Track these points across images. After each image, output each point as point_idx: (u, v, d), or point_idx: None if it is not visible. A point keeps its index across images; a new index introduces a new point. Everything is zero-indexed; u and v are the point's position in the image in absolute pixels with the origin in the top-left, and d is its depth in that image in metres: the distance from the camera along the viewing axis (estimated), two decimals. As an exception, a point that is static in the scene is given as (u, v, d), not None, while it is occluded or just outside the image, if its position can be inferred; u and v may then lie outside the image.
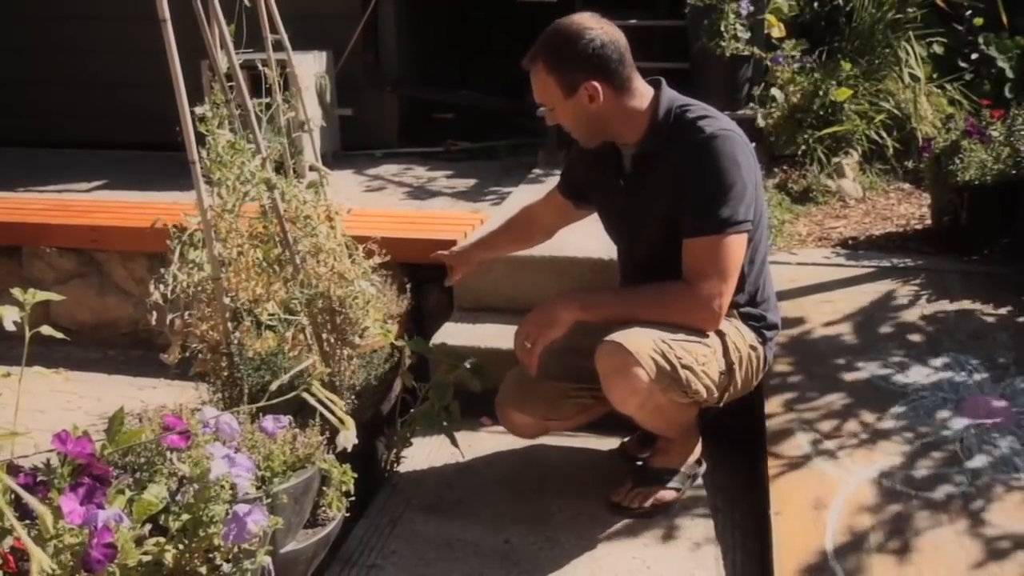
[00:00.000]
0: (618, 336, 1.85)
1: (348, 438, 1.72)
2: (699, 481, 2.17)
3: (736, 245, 1.89)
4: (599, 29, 1.91)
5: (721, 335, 1.95)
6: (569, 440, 2.38)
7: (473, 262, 2.41)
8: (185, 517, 1.35)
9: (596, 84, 1.91)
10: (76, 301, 3.33)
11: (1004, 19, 3.75)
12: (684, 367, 1.86)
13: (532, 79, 1.97)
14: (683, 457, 2.13)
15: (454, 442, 2.17)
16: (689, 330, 1.91)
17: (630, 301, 1.99)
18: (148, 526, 1.35)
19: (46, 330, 1.42)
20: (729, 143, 1.89)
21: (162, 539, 1.34)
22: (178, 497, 1.38)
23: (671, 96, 1.99)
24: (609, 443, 2.36)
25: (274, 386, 1.67)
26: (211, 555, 1.37)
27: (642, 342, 1.84)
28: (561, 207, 2.28)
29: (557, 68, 1.92)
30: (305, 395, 1.71)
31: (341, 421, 1.74)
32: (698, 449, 2.17)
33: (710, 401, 1.99)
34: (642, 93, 1.97)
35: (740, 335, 2.00)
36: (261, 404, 1.62)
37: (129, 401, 2.78)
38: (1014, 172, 2.76)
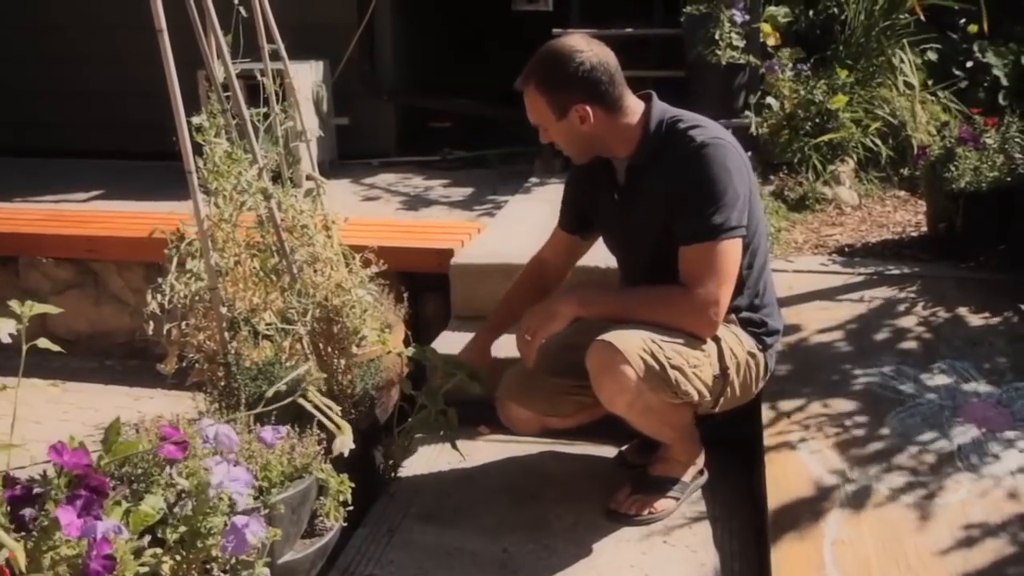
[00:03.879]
0: (609, 335, 1.87)
1: (345, 443, 1.72)
2: (697, 490, 2.17)
3: (731, 250, 1.90)
4: (589, 51, 1.93)
5: (717, 340, 1.96)
6: (568, 448, 2.38)
7: (488, 352, 2.24)
8: (183, 529, 1.35)
9: (586, 107, 1.94)
10: (72, 311, 3.32)
11: (986, 25, 3.76)
12: (674, 367, 1.88)
13: (525, 99, 2.00)
14: (684, 467, 2.13)
15: (454, 446, 2.17)
16: (685, 333, 1.92)
17: (629, 302, 2.01)
18: (147, 537, 1.34)
19: (42, 343, 1.43)
20: (720, 151, 1.91)
21: (159, 550, 1.33)
22: (176, 509, 1.38)
23: (662, 108, 2.01)
24: (608, 451, 2.36)
25: (270, 392, 1.67)
26: (208, 566, 1.37)
27: (632, 341, 1.86)
28: (568, 245, 2.26)
29: (548, 90, 1.95)
30: (301, 401, 1.71)
31: (338, 427, 1.74)
32: (700, 459, 2.16)
33: (704, 405, 1.99)
34: (633, 109, 2.00)
35: (738, 340, 2.00)
36: (257, 411, 1.62)
37: (126, 411, 2.75)
38: (1009, 179, 2.77)
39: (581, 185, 2.19)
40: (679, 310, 1.92)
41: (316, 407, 1.74)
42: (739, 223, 1.90)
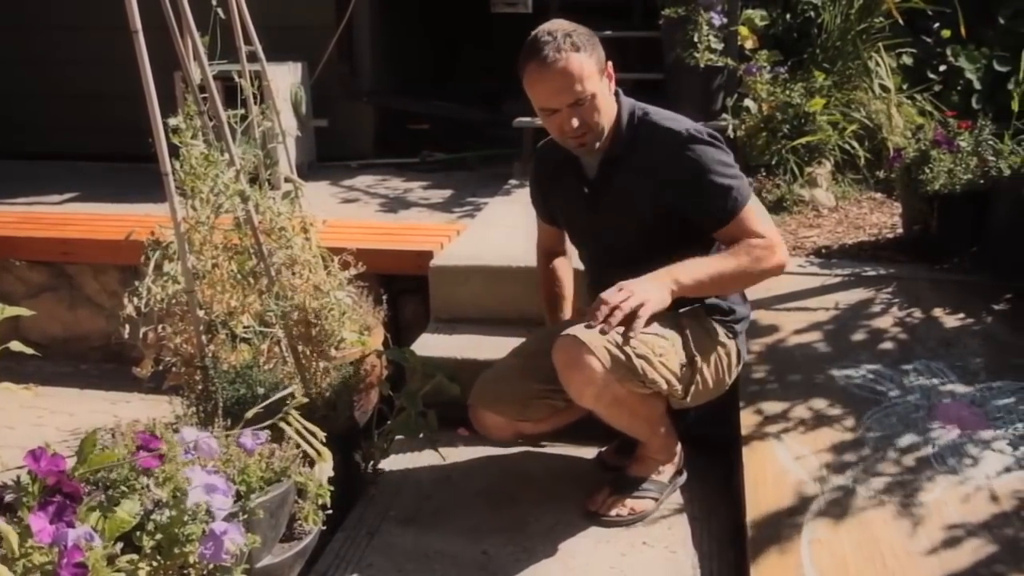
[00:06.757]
0: (572, 330, 1.88)
1: (324, 470, 1.72)
2: (675, 490, 2.17)
3: (758, 207, 1.98)
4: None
5: (681, 329, 1.98)
6: (547, 450, 2.38)
7: None
8: (160, 536, 1.33)
9: (609, 62, 1.98)
10: (47, 315, 3.29)
11: (963, 30, 3.81)
12: (639, 356, 1.89)
13: (562, 73, 1.88)
14: (661, 466, 2.14)
15: (434, 448, 2.17)
16: (647, 324, 1.82)
17: (713, 268, 1.91)
18: (120, 544, 1.33)
19: (15, 346, 1.41)
20: (705, 138, 1.96)
21: (135, 556, 1.32)
22: (154, 516, 1.36)
23: (631, 101, 2.04)
24: (587, 452, 2.36)
25: (250, 414, 1.66)
26: (185, 571, 1.35)
27: (596, 333, 1.85)
28: (554, 232, 2.32)
29: (588, 49, 1.91)
30: (282, 425, 1.70)
31: (318, 453, 1.73)
32: (678, 459, 2.17)
33: (674, 395, 2.00)
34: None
35: (705, 332, 2.03)
36: (238, 431, 1.61)
37: (101, 416, 2.74)
38: (982, 181, 2.80)
39: (543, 181, 2.22)
40: (757, 256, 1.90)
41: (298, 432, 1.73)
42: (750, 192, 1.97)
